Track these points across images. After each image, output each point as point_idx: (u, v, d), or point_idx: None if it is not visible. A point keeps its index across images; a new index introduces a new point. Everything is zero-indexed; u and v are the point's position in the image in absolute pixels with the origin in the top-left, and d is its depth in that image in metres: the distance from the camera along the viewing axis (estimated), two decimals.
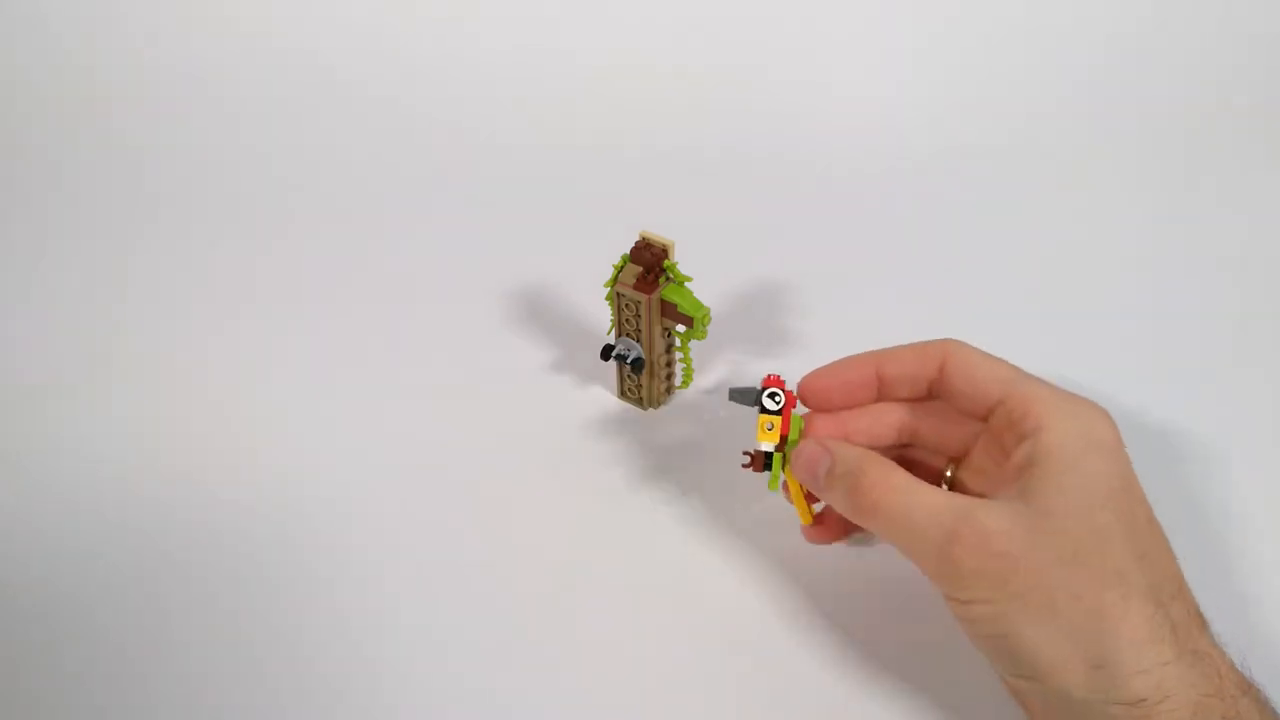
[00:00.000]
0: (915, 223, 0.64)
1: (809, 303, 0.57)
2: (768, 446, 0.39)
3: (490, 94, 0.71)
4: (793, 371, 0.40)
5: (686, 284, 0.46)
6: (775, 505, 0.44)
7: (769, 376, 0.40)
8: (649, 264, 0.45)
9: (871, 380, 0.39)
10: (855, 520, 0.36)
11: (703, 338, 0.46)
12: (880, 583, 0.43)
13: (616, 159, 0.68)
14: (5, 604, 0.43)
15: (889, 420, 0.40)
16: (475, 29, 0.73)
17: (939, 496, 0.34)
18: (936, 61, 0.72)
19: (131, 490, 0.48)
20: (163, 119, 0.71)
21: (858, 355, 0.40)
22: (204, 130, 0.71)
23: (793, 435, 0.39)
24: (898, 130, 0.69)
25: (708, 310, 0.45)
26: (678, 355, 0.49)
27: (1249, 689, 0.31)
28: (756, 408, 0.39)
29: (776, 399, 0.39)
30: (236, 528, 0.46)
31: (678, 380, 0.51)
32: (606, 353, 0.48)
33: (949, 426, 0.39)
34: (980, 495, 0.35)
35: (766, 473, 0.40)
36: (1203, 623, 0.32)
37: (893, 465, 0.36)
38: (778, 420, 0.39)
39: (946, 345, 0.38)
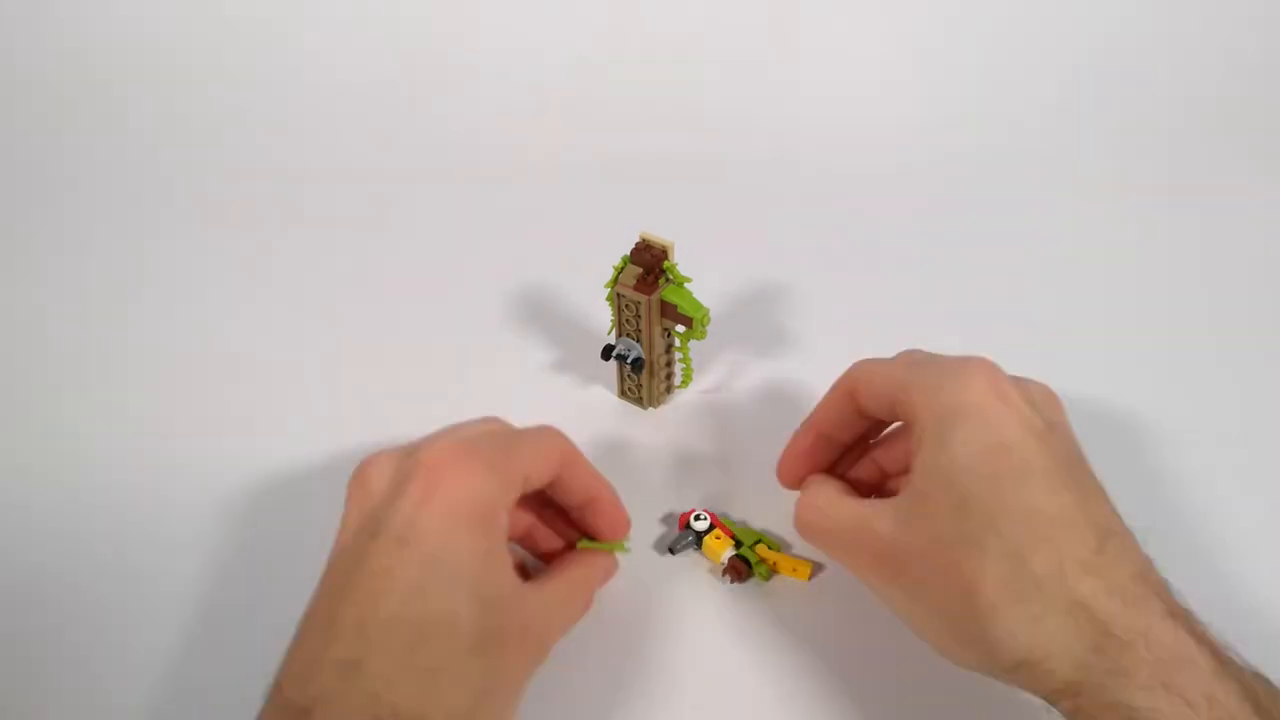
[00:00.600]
0: (914, 223, 0.64)
1: (809, 303, 0.57)
2: (730, 552, 0.42)
3: (492, 95, 0.71)
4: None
5: (686, 284, 0.46)
6: (775, 503, 0.44)
7: (682, 517, 0.44)
8: (649, 265, 0.45)
9: (817, 442, 0.40)
10: (800, 534, 0.39)
11: (702, 338, 0.46)
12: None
13: (617, 160, 0.68)
14: (9, 602, 0.43)
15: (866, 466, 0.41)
16: (478, 30, 0.73)
17: (854, 507, 0.36)
18: (937, 65, 0.72)
19: (130, 484, 0.48)
20: (161, 118, 0.71)
21: (798, 430, 0.41)
22: (202, 130, 0.71)
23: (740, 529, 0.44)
24: (898, 132, 0.69)
25: (707, 311, 0.46)
26: (677, 355, 0.49)
27: (1178, 613, 0.29)
28: (694, 542, 0.43)
29: (701, 520, 0.43)
30: (236, 526, 0.46)
31: (677, 380, 0.51)
32: (607, 353, 0.49)
33: (898, 443, 0.40)
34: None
35: (753, 576, 0.42)
36: (1100, 568, 0.30)
37: (822, 486, 0.38)
38: (717, 532, 0.43)
39: (850, 373, 0.39)
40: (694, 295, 0.46)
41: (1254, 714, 0.27)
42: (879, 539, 0.34)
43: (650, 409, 0.51)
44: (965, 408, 0.33)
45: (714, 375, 0.53)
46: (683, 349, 0.49)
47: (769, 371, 0.53)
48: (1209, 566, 0.43)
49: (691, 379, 0.51)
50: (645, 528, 0.45)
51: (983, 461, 0.32)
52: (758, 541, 0.43)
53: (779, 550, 0.43)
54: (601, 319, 0.53)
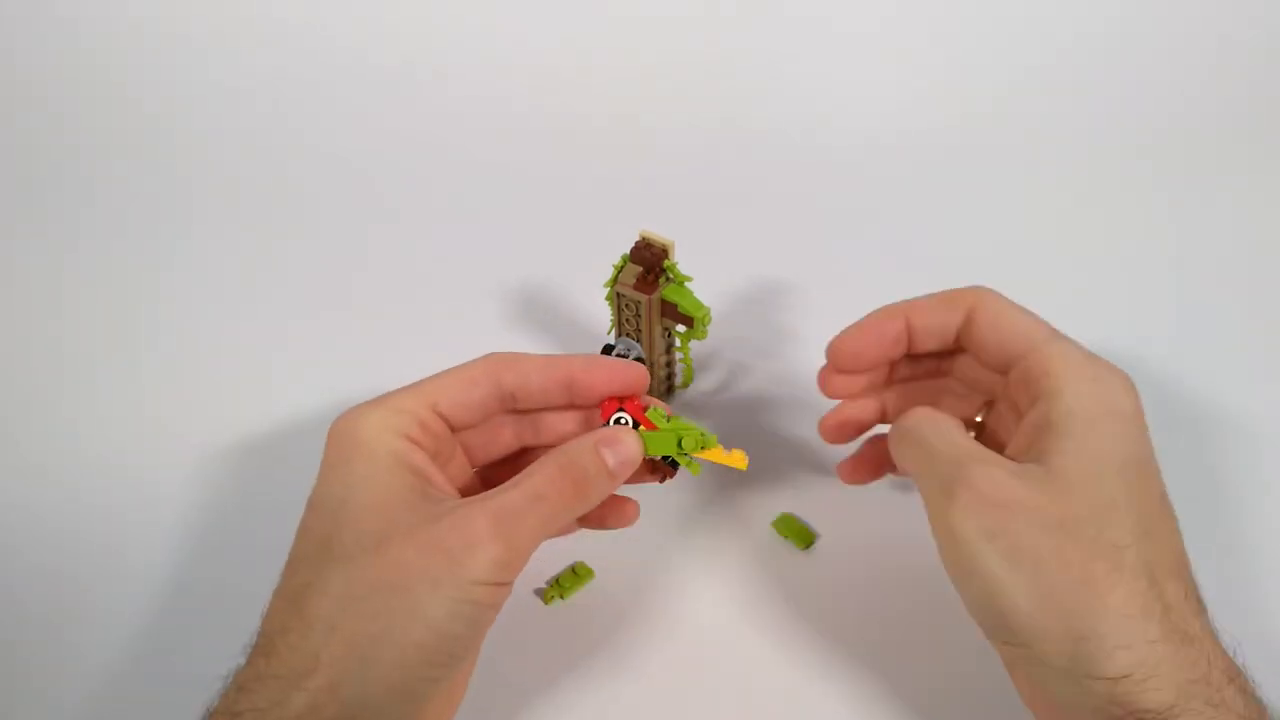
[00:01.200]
0: (917, 223, 0.63)
1: (809, 302, 0.57)
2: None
3: (491, 93, 0.71)
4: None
5: (686, 284, 0.46)
6: (779, 502, 0.43)
7: (604, 405, 0.37)
8: (649, 264, 0.45)
9: (901, 332, 0.39)
10: (890, 442, 0.37)
11: (703, 337, 0.46)
12: (889, 575, 0.43)
13: (616, 159, 0.68)
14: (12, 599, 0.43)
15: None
16: (476, 27, 0.72)
17: (964, 439, 0.34)
18: (944, 62, 0.72)
19: (132, 482, 0.48)
20: (161, 117, 0.70)
21: (885, 308, 0.39)
22: (201, 128, 0.70)
23: (670, 436, 0.37)
24: (901, 131, 0.69)
25: (708, 310, 0.45)
26: (678, 355, 0.49)
27: (1236, 676, 0.30)
28: None
29: (623, 422, 0.37)
30: (234, 525, 0.46)
31: (678, 380, 0.51)
32: (606, 352, 0.48)
33: (971, 388, 0.39)
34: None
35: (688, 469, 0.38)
36: (1199, 607, 0.31)
37: (937, 411, 0.36)
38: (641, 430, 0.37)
39: (977, 293, 0.37)
40: (695, 294, 0.45)
41: None
42: (1001, 485, 0.32)
43: None
44: (1122, 410, 0.33)
45: (714, 375, 0.53)
46: (683, 348, 0.48)
47: (770, 371, 0.53)
48: None
49: (692, 379, 0.51)
50: (644, 528, 0.44)
51: (1135, 474, 0.32)
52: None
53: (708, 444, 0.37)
54: (601, 318, 0.53)
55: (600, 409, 0.37)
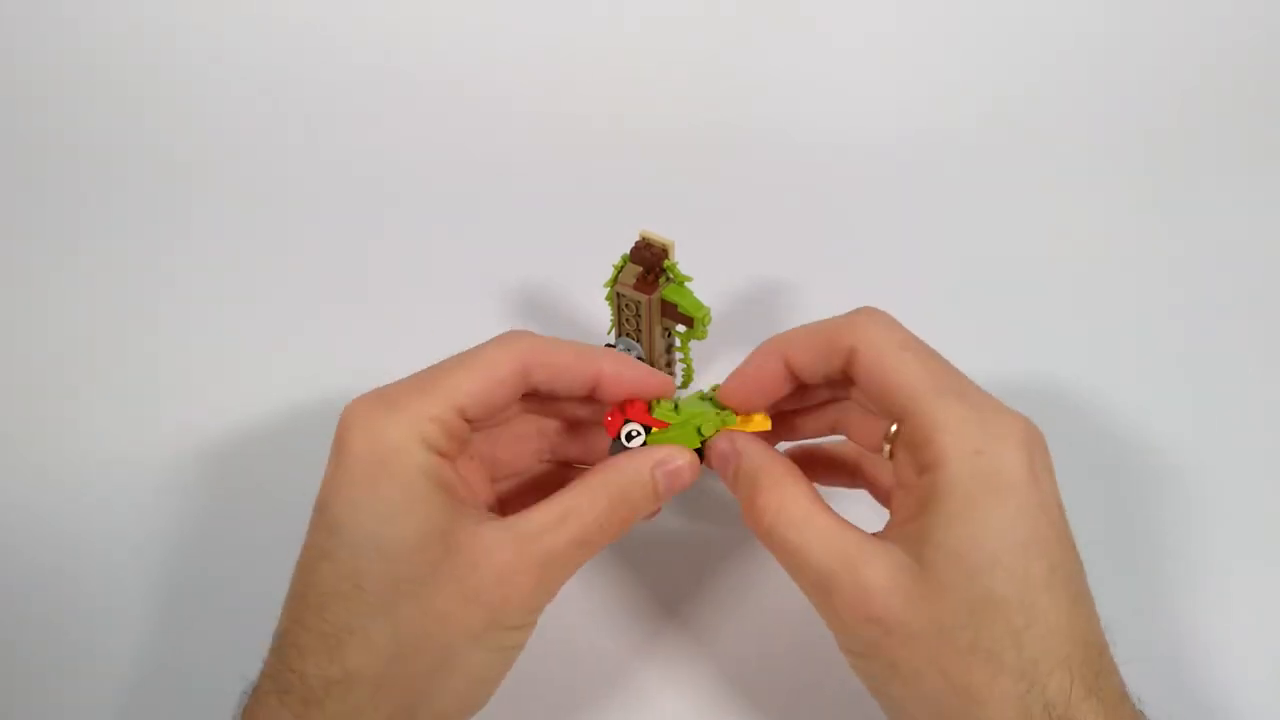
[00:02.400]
0: (916, 223, 0.63)
1: (809, 302, 0.57)
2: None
3: (492, 93, 0.71)
4: None
5: (686, 284, 0.46)
6: None
7: (609, 419, 0.36)
8: (649, 264, 0.45)
9: (780, 372, 0.35)
10: (751, 528, 0.33)
11: (703, 337, 0.46)
12: None
13: (616, 158, 0.68)
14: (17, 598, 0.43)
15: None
16: (475, 25, 0.72)
17: (832, 534, 0.31)
18: (944, 63, 0.72)
19: (133, 482, 0.48)
20: (161, 114, 0.70)
21: (762, 347, 0.36)
22: (200, 127, 0.70)
23: (690, 425, 0.36)
24: (901, 132, 0.69)
25: (708, 310, 0.45)
26: (678, 355, 0.49)
27: None
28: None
29: (635, 434, 0.36)
30: (234, 525, 0.46)
31: (678, 380, 0.51)
32: None
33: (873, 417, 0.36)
34: (891, 502, 0.33)
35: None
36: (1091, 686, 0.29)
37: (795, 486, 0.32)
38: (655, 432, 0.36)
39: (854, 326, 0.33)
40: (695, 294, 0.45)
41: None
42: (872, 593, 0.29)
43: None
44: (1004, 485, 0.29)
45: (715, 375, 0.53)
46: (683, 349, 0.48)
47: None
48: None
49: (692, 379, 0.50)
50: (642, 529, 0.44)
51: (1015, 559, 0.29)
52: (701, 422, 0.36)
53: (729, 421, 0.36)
54: (601, 318, 0.53)
55: (606, 422, 0.36)
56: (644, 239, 0.45)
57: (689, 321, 0.45)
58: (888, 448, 0.33)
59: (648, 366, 0.37)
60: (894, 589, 0.29)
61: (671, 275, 0.45)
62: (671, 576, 0.43)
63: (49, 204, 0.65)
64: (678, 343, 0.48)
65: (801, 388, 0.36)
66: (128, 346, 0.56)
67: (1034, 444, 0.31)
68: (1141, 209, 0.64)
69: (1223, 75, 0.71)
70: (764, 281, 0.58)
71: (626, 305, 0.46)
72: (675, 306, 0.45)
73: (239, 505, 0.47)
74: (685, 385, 0.51)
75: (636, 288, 0.45)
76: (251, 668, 0.32)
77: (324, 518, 0.31)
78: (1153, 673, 0.32)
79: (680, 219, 0.51)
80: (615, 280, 0.46)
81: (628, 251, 0.46)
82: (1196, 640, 0.41)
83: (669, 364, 0.50)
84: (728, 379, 0.37)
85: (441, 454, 0.31)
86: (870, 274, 0.59)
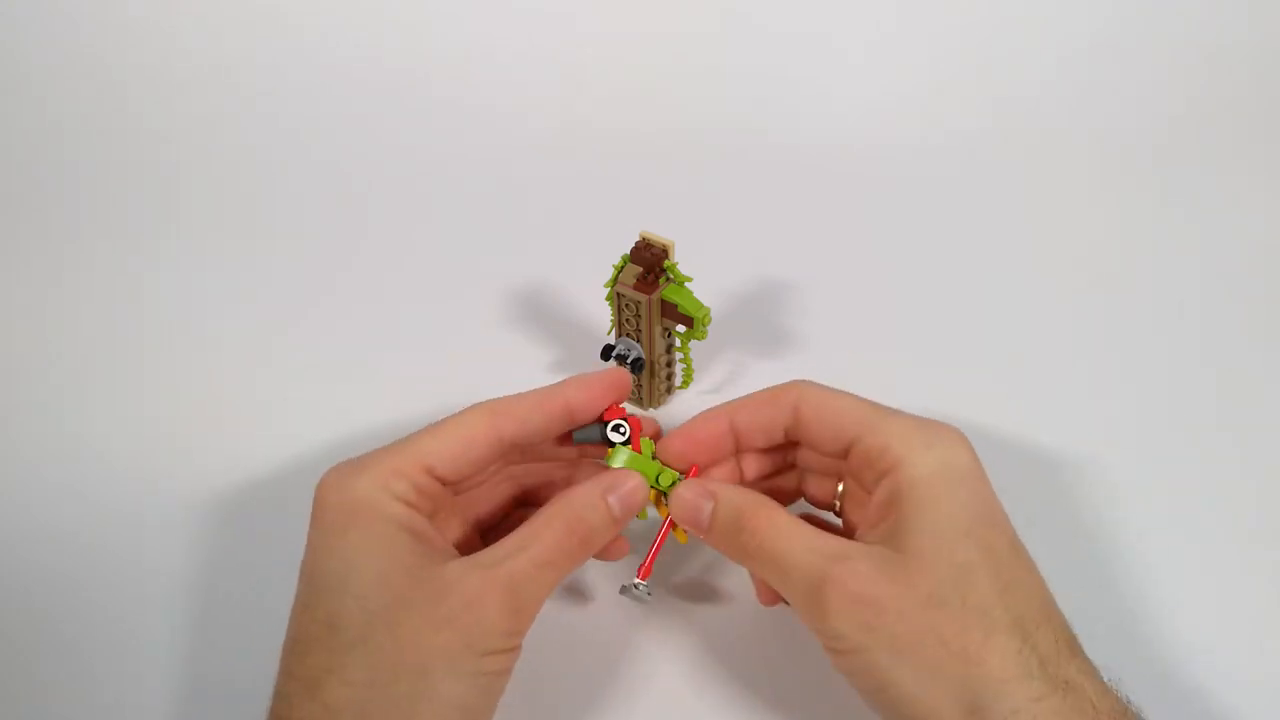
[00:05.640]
0: (917, 223, 0.63)
1: (809, 303, 0.57)
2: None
3: (489, 94, 0.71)
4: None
5: (686, 284, 0.46)
6: None
7: (610, 409, 0.39)
8: (649, 264, 0.45)
9: (724, 434, 0.38)
10: (738, 561, 0.36)
11: (703, 338, 0.46)
12: None
13: (616, 159, 0.68)
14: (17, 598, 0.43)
15: (758, 466, 0.40)
16: (475, 26, 0.72)
17: (818, 539, 0.33)
18: (944, 65, 0.72)
19: (132, 484, 0.48)
20: (158, 112, 0.70)
21: (707, 411, 0.39)
22: (199, 125, 0.70)
23: (652, 466, 0.38)
24: (900, 132, 0.69)
25: (708, 310, 0.45)
26: (678, 355, 0.49)
27: (1124, 713, 0.30)
28: (606, 443, 0.39)
29: (622, 430, 0.38)
30: (233, 525, 0.46)
31: (678, 380, 0.51)
32: (606, 353, 0.48)
33: (820, 468, 0.39)
34: (854, 533, 0.36)
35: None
36: (1073, 647, 0.31)
37: (776, 505, 0.35)
38: (628, 449, 0.38)
39: (797, 388, 0.37)
40: (695, 295, 0.45)
41: None
42: (858, 578, 0.31)
43: (650, 410, 0.50)
44: (960, 472, 0.33)
45: (715, 375, 0.53)
46: (683, 349, 0.48)
47: (770, 371, 0.53)
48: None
49: (692, 379, 0.51)
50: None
51: (981, 531, 0.32)
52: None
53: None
54: (601, 318, 0.53)
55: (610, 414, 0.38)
56: (644, 239, 0.45)
57: (689, 321, 0.45)
58: (838, 504, 0.38)
59: (606, 371, 0.39)
60: (882, 572, 0.31)
61: (671, 275, 0.45)
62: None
63: (50, 217, 0.65)
64: (678, 343, 0.48)
65: (751, 454, 0.40)
66: (123, 357, 0.55)
67: (970, 445, 0.34)
68: (1144, 209, 0.64)
69: (1226, 75, 0.70)
70: (765, 281, 0.58)
71: (626, 305, 0.46)
72: (675, 306, 0.45)
73: (236, 517, 0.47)
74: (685, 385, 0.51)
75: (636, 288, 0.45)
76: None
77: (303, 571, 0.33)
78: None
79: (680, 220, 0.51)
80: (615, 280, 0.46)
81: (628, 252, 0.46)
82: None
83: (669, 364, 0.50)
84: (670, 435, 0.39)
85: (411, 505, 0.33)
86: (870, 274, 0.59)
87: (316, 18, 0.72)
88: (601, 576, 0.43)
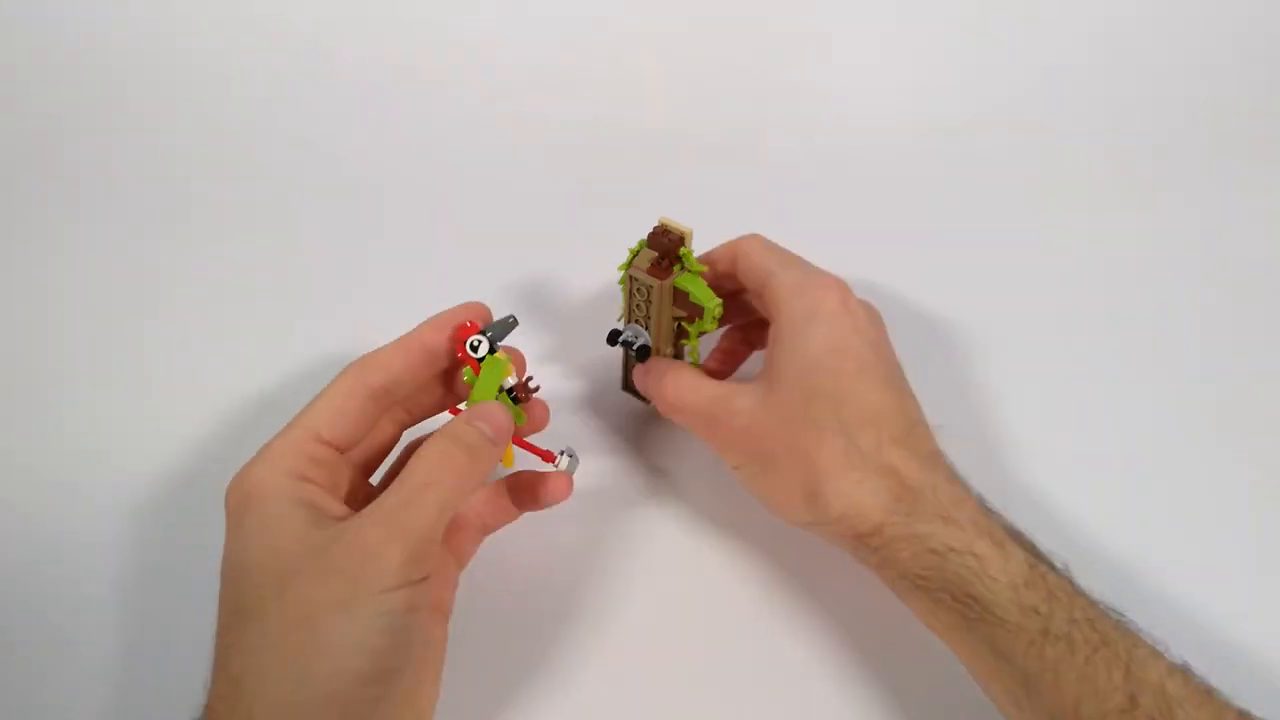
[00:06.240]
0: (917, 225, 0.63)
1: None
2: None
3: (493, 94, 0.70)
4: None
5: (700, 274, 0.45)
6: None
7: (460, 329, 0.40)
8: (665, 250, 0.45)
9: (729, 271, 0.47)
10: (665, 414, 0.45)
11: (712, 329, 0.46)
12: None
13: (620, 156, 0.67)
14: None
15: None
16: (482, 14, 0.72)
17: (714, 388, 0.43)
18: (946, 65, 0.71)
19: (130, 482, 0.48)
20: (158, 111, 0.69)
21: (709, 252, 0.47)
22: (198, 124, 0.68)
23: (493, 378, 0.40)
24: (904, 134, 0.69)
25: (719, 302, 0.45)
26: (685, 347, 0.49)
27: (967, 497, 0.38)
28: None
29: (477, 344, 0.40)
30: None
31: None
32: (613, 337, 0.48)
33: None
34: None
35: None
36: (900, 444, 0.39)
37: (685, 369, 0.45)
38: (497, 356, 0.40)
39: (743, 240, 0.46)
40: (707, 285, 0.45)
41: (1006, 532, 0.37)
42: (738, 414, 0.41)
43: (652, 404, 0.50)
44: (820, 313, 0.41)
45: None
46: (691, 340, 0.48)
47: None
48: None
49: None
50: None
51: (830, 359, 0.40)
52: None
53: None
54: (604, 313, 0.53)
55: (459, 354, 0.40)
56: (662, 225, 0.45)
57: (699, 311, 0.45)
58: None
59: (459, 306, 0.40)
60: (754, 406, 0.41)
61: (686, 264, 0.45)
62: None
63: (47, 205, 0.64)
64: (686, 335, 0.48)
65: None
66: (126, 345, 0.55)
67: (844, 289, 0.43)
68: (1144, 209, 0.64)
69: (1226, 75, 0.70)
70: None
71: (638, 290, 0.46)
72: (686, 295, 0.45)
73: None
74: None
75: (650, 272, 0.45)
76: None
77: (222, 570, 0.34)
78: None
79: (683, 218, 0.51)
80: (630, 264, 0.46)
81: (645, 237, 0.45)
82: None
83: (676, 355, 0.49)
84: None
85: (302, 477, 0.34)
86: (870, 275, 0.58)
87: (318, 17, 0.71)
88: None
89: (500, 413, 0.37)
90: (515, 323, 0.41)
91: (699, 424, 0.43)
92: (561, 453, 0.42)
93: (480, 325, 0.40)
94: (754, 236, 0.46)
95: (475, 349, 0.40)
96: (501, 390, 0.40)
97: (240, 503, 0.33)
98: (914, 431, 0.40)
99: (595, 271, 0.48)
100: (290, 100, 0.69)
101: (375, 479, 0.41)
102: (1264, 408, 0.52)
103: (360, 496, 0.38)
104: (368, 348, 0.53)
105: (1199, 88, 0.70)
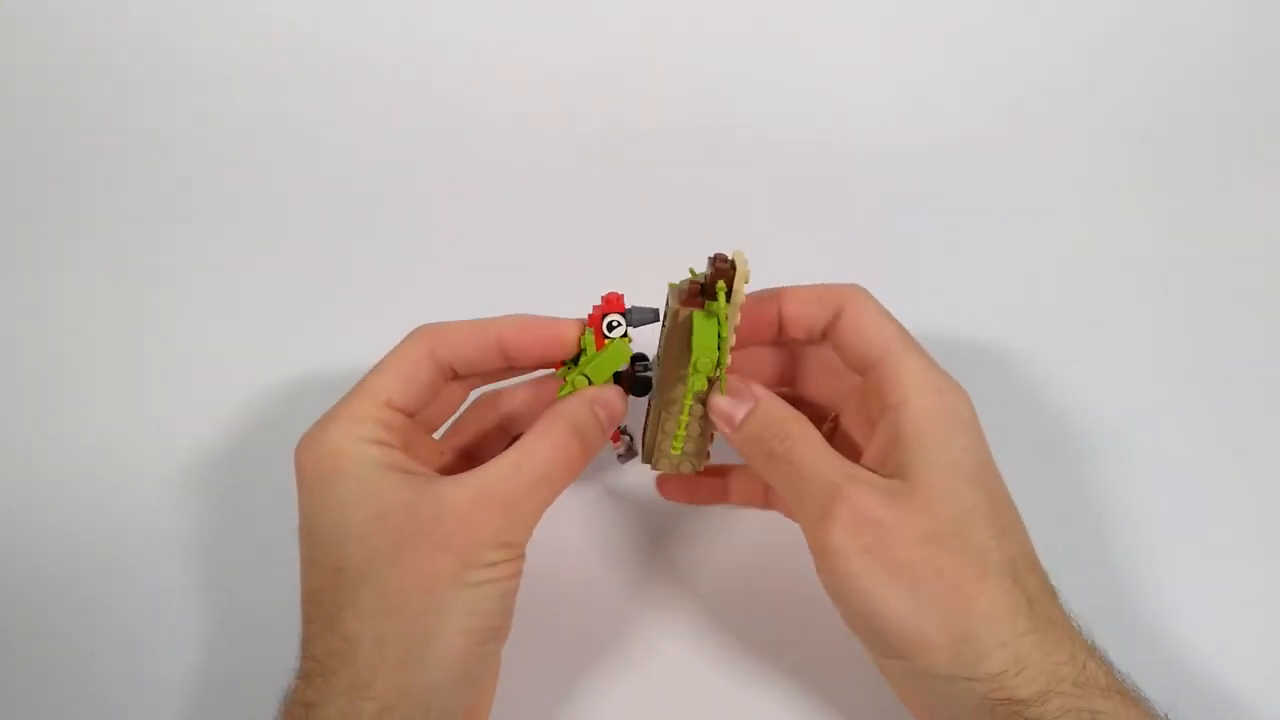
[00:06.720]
0: (917, 225, 0.61)
1: None
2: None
3: (493, 95, 0.66)
4: None
5: (729, 320, 0.36)
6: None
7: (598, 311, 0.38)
8: (710, 277, 0.36)
9: (773, 318, 0.39)
10: (750, 461, 0.37)
11: (701, 388, 0.37)
12: None
13: (614, 159, 0.64)
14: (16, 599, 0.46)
15: (770, 361, 0.42)
16: (481, 15, 0.67)
17: (837, 457, 0.35)
18: (948, 68, 0.68)
19: (131, 484, 0.49)
20: (158, 110, 0.68)
21: (762, 291, 0.39)
22: (199, 124, 0.67)
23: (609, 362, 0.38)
24: (905, 136, 0.65)
25: (716, 359, 0.35)
26: (674, 409, 0.39)
27: (1094, 653, 0.33)
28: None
29: (616, 323, 0.38)
30: (235, 525, 0.47)
31: (637, 446, 0.42)
32: (632, 361, 0.40)
33: (828, 378, 0.41)
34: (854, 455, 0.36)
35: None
36: (1053, 593, 0.34)
37: (808, 420, 0.36)
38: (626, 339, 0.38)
39: (847, 292, 0.38)
40: (720, 335, 0.36)
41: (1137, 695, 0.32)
42: (870, 498, 0.33)
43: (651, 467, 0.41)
44: (966, 422, 0.35)
45: None
46: (685, 400, 0.38)
47: None
48: None
49: (680, 452, 0.40)
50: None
51: (981, 478, 0.34)
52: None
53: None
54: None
55: (590, 319, 0.38)
56: (724, 255, 0.36)
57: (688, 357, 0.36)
58: (829, 425, 0.41)
59: (554, 319, 0.38)
60: (891, 499, 0.33)
61: (717, 301, 0.36)
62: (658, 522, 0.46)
63: (46, 206, 0.64)
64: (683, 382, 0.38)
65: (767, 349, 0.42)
66: (128, 346, 0.56)
67: (971, 400, 0.36)
68: (1148, 208, 0.62)
69: (1227, 75, 0.67)
70: (762, 282, 0.46)
71: (668, 311, 0.38)
72: (690, 334, 0.36)
73: (240, 503, 0.48)
74: (668, 458, 0.40)
75: (680, 295, 0.37)
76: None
77: (301, 532, 0.35)
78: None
79: (681, 220, 0.50)
80: (679, 283, 0.38)
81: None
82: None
83: (673, 413, 0.39)
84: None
85: (383, 444, 0.35)
86: (870, 276, 0.44)
87: (315, 19, 0.68)
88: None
89: (619, 403, 0.38)
90: (656, 317, 0.38)
91: (812, 495, 0.35)
92: (623, 430, 0.42)
93: (625, 306, 0.38)
94: (862, 293, 0.38)
95: (612, 328, 0.38)
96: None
97: (322, 466, 0.34)
98: (1049, 582, 0.34)
99: (595, 271, 0.44)
100: (290, 100, 0.68)
101: (438, 434, 0.42)
102: (1265, 407, 0.52)
103: (424, 453, 0.39)
104: (367, 347, 0.47)
105: (1200, 88, 0.67)
